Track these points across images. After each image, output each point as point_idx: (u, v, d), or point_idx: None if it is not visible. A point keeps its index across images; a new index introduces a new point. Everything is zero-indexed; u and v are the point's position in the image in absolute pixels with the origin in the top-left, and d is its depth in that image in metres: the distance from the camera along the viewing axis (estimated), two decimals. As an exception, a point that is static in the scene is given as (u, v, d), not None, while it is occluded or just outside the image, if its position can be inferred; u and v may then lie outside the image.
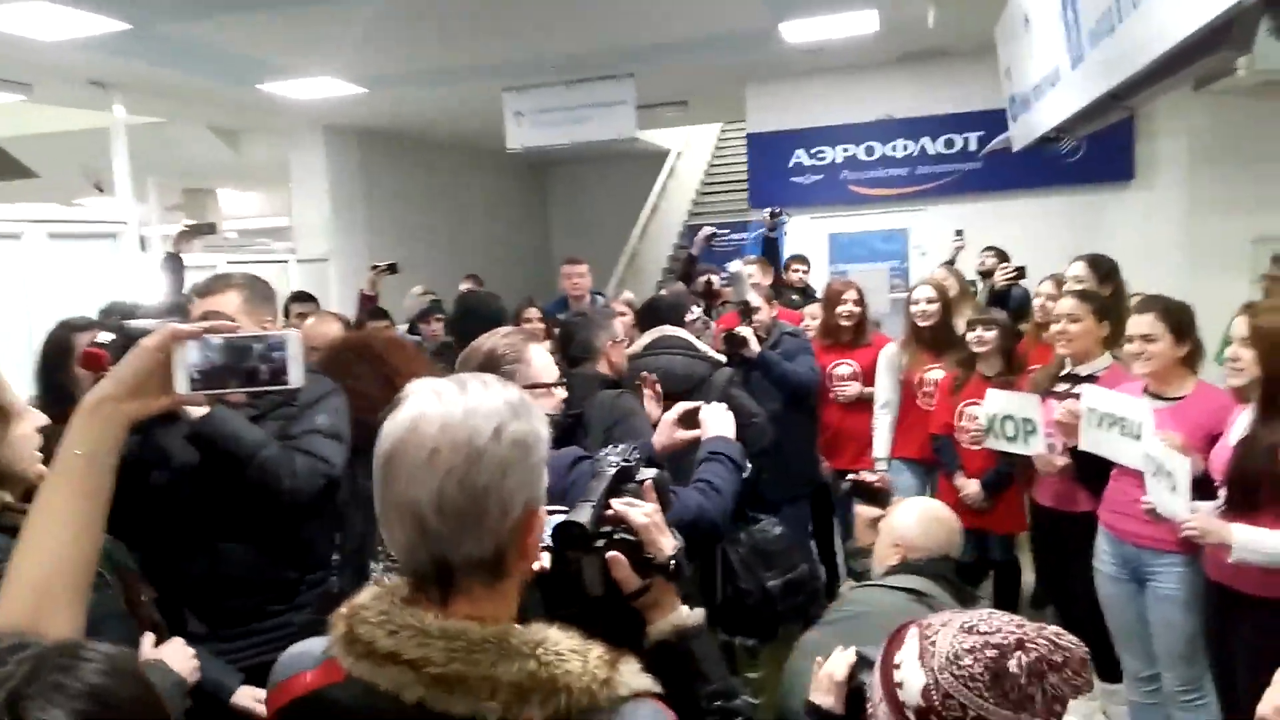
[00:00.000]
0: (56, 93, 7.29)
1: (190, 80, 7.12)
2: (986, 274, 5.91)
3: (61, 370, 2.41)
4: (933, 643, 1.12)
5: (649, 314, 4.36)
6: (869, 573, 2.40)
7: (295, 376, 1.27)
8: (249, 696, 2.08)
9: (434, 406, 1.03)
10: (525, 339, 2.14)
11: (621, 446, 1.43)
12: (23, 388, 1.93)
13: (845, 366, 4.70)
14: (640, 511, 1.30)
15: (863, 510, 2.68)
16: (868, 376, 4.63)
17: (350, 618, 1.04)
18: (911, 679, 1.11)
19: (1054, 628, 1.07)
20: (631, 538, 1.27)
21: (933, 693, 1.02)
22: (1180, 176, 7.56)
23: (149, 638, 1.70)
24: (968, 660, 1.01)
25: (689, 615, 1.35)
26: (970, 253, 6.35)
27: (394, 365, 2.47)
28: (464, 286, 6.56)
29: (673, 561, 1.29)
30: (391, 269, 5.73)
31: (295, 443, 2.33)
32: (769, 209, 6.16)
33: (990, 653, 1.01)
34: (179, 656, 1.69)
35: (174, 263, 4.62)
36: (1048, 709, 0.99)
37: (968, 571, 4.31)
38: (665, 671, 1.16)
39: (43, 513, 1.19)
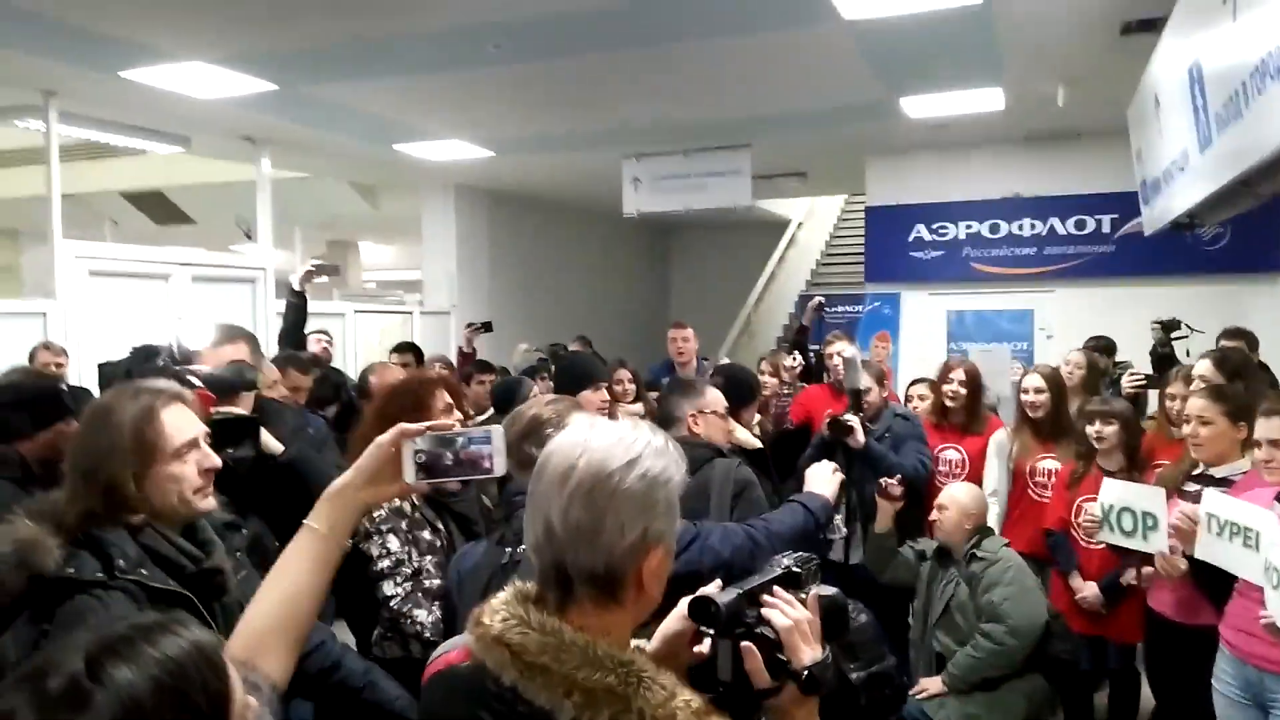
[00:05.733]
0: (212, 146, 7.90)
1: (331, 139, 7.59)
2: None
3: None
4: None
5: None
6: (892, 548, 3.80)
7: (499, 466, 1.43)
8: None
9: (584, 433, 1.18)
10: (571, 406, 2.28)
11: (800, 555, 1.39)
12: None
13: (954, 452, 4.50)
14: (785, 614, 1.26)
15: (885, 505, 3.79)
16: (977, 464, 4.41)
17: (482, 609, 1.18)
18: None
19: None
20: (771, 635, 1.25)
21: None
22: (1335, 269, 7.05)
23: None
24: None
25: None
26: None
27: None
28: (573, 347, 6.66)
29: (806, 672, 1.24)
30: (486, 327, 5.92)
31: None
32: None
33: None
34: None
35: (297, 298, 4.85)
36: None
37: (1083, 681, 4.03)
38: None
39: (279, 571, 1.38)
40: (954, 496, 3.60)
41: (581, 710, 1.07)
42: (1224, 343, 4.80)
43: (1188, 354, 4.68)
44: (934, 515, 3.61)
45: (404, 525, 2.50)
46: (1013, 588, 3.36)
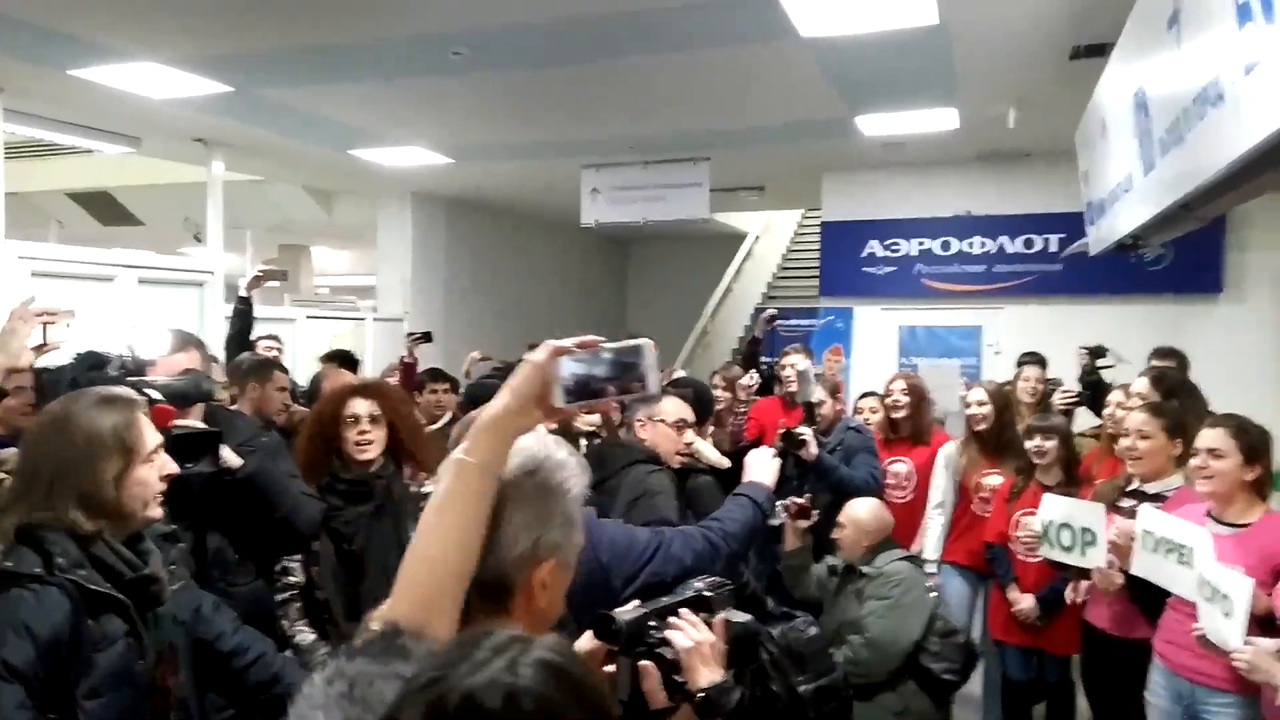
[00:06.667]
0: (162, 147, 7.75)
1: (286, 143, 7.48)
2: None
3: None
4: None
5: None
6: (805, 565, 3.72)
7: (652, 384, 1.26)
8: None
9: None
10: None
11: (713, 580, 1.40)
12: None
13: (902, 465, 4.56)
14: (687, 635, 1.27)
15: (791, 525, 3.67)
16: (925, 476, 4.48)
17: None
18: None
19: None
20: (670, 656, 1.26)
21: None
22: (1273, 291, 7.26)
23: None
24: None
25: None
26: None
27: None
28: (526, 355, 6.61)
29: (701, 695, 1.25)
30: (426, 337, 5.85)
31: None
32: None
33: None
34: None
35: (243, 304, 4.79)
36: None
37: (1020, 692, 4.09)
38: None
39: (435, 521, 1.20)
40: (852, 515, 3.57)
41: None
42: (1155, 362, 4.89)
43: (1111, 384, 4.77)
44: (834, 533, 3.59)
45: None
46: (884, 603, 3.32)
